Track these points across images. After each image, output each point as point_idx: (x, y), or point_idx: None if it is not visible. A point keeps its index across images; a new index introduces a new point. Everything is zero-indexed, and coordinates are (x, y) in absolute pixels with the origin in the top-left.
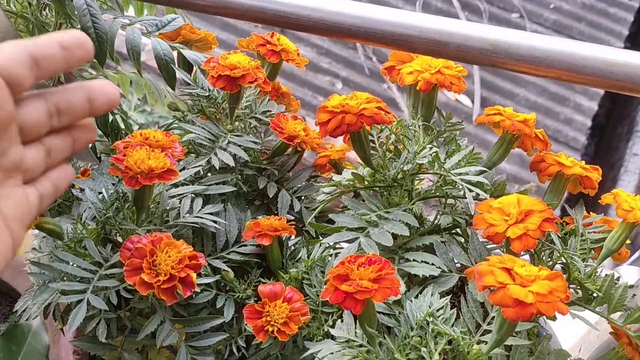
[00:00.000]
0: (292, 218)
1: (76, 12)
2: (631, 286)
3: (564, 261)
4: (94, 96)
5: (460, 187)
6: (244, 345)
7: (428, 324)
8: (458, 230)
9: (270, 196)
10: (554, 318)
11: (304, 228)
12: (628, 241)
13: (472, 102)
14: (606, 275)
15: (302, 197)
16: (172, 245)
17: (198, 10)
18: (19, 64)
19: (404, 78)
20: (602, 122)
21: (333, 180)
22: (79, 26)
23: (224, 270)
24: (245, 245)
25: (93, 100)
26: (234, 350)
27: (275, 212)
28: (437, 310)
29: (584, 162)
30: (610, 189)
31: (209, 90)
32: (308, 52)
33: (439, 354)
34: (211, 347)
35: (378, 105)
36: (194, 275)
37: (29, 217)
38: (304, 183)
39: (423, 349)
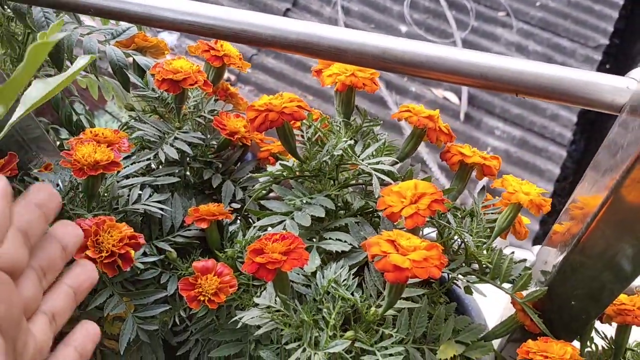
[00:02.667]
0: (238, 206)
1: (35, 24)
2: (523, 260)
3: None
4: (65, 242)
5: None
6: (184, 316)
7: (335, 290)
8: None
9: (215, 186)
10: (469, 291)
11: (248, 215)
12: None
13: (460, 99)
14: (497, 249)
15: (247, 187)
16: (114, 227)
17: (129, 21)
18: (18, 249)
19: (324, 80)
20: (592, 118)
21: (267, 171)
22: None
23: (168, 250)
24: (190, 230)
25: (65, 246)
26: (177, 321)
27: (221, 200)
28: (343, 281)
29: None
30: None
31: (160, 92)
32: None
33: (342, 315)
34: (155, 317)
35: (298, 105)
36: (132, 252)
37: None
38: (248, 174)
39: (325, 309)
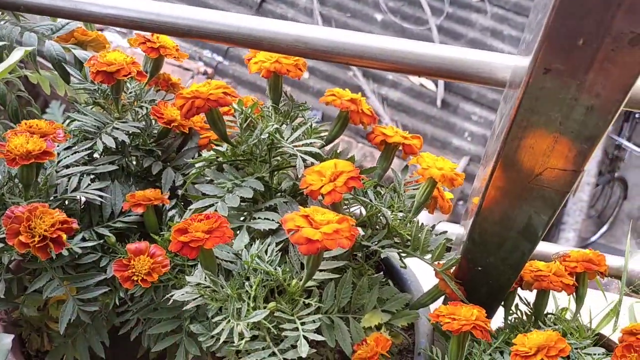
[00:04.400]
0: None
1: None
2: (444, 232)
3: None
4: None
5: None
6: (125, 297)
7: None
8: None
9: (154, 173)
10: (404, 266)
11: (190, 200)
12: None
13: (436, 85)
14: (416, 222)
15: (187, 174)
16: (47, 213)
17: (58, 17)
18: None
19: (250, 67)
20: None
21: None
22: None
23: (107, 235)
24: (130, 215)
25: None
26: (118, 302)
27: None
28: (269, 257)
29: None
30: None
31: (98, 84)
32: None
33: (265, 288)
34: (96, 299)
35: (224, 91)
36: (64, 236)
37: None
38: (188, 161)
39: (246, 282)
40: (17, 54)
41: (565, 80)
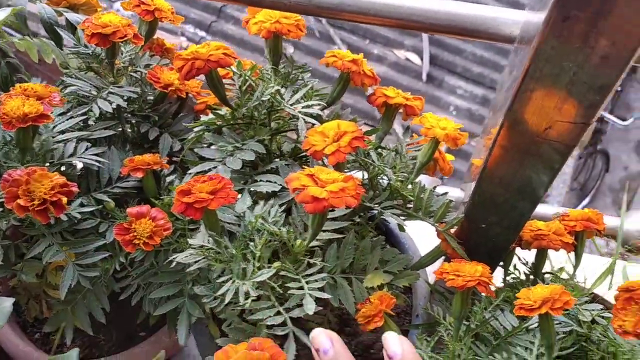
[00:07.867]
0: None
1: None
2: (445, 193)
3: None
4: None
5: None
6: (125, 262)
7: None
8: None
9: (151, 139)
10: (402, 229)
11: (187, 166)
12: None
13: (422, 60)
14: (418, 183)
15: (185, 139)
16: (45, 176)
17: None
18: None
19: (250, 28)
20: None
21: (200, 120)
22: None
23: (105, 201)
24: (128, 181)
25: None
26: (118, 268)
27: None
28: (273, 218)
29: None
30: None
31: (92, 48)
32: None
33: (270, 248)
34: (96, 264)
35: (224, 52)
36: (64, 199)
37: None
38: (187, 125)
39: (251, 243)
40: (2, 13)
41: (582, 28)
